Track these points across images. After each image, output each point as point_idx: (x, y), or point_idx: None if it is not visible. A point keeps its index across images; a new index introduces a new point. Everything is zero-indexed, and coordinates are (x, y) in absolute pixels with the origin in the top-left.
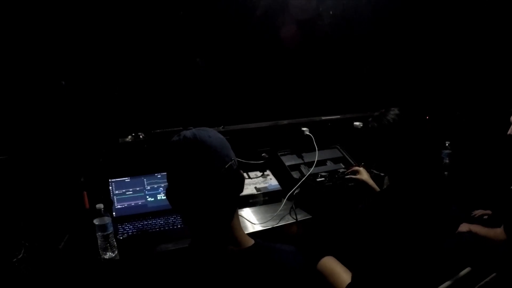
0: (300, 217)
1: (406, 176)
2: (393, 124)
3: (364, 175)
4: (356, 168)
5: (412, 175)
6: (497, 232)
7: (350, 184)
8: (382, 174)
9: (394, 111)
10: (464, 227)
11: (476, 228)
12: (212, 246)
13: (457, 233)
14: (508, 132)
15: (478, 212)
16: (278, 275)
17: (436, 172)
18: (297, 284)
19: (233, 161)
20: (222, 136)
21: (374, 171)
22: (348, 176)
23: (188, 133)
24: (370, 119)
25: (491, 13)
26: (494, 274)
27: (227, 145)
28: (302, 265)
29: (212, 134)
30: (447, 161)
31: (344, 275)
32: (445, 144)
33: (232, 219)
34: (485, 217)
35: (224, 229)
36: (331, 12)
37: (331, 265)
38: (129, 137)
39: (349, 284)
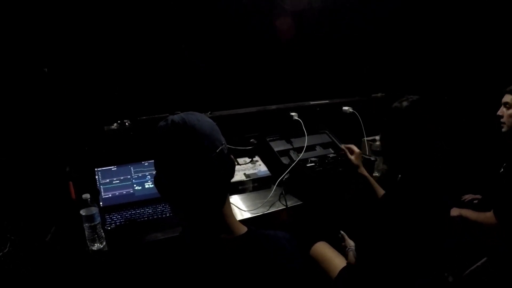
0: (291, 203)
1: (419, 170)
2: (412, 113)
3: (355, 157)
4: (353, 148)
5: (426, 168)
6: (488, 216)
7: (340, 169)
8: (372, 159)
9: (412, 98)
10: (454, 212)
11: (467, 213)
12: (204, 234)
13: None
14: (498, 112)
15: (468, 197)
16: (272, 262)
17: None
18: (292, 271)
19: (223, 145)
20: (211, 120)
21: (365, 155)
22: (342, 151)
23: (176, 117)
24: (392, 105)
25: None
26: (485, 259)
27: (217, 129)
28: (296, 251)
29: (201, 118)
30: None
31: (336, 259)
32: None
33: (223, 205)
34: (475, 201)
35: (215, 216)
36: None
37: (324, 250)
38: (115, 124)
39: (343, 268)
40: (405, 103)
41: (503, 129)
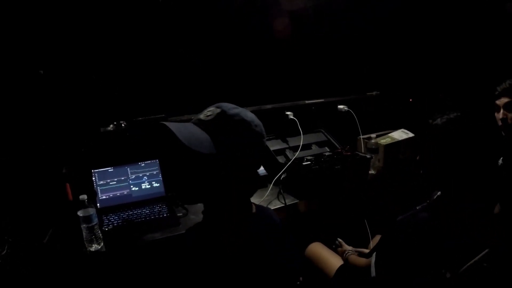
0: (287, 201)
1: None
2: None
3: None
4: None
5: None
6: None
7: (336, 167)
8: (368, 157)
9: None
10: None
11: None
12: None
13: None
14: (499, 117)
15: None
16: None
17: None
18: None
19: None
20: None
21: (360, 153)
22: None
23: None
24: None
25: None
26: (486, 250)
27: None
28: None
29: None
30: None
31: (331, 258)
32: None
33: None
34: None
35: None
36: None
37: (319, 250)
38: (111, 125)
39: (341, 267)
40: (443, 119)
41: (505, 133)
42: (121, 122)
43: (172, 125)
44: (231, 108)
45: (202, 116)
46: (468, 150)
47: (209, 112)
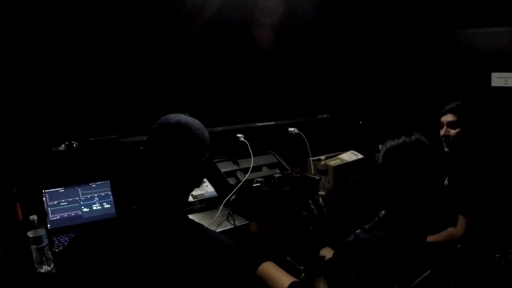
0: (238, 222)
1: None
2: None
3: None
4: None
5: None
6: (450, 232)
7: (286, 189)
8: (317, 178)
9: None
10: None
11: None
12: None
13: None
14: (442, 133)
15: None
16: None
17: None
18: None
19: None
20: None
21: (310, 175)
22: None
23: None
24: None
25: (420, 18)
26: (429, 271)
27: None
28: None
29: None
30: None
31: (282, 277)
32: (378, 147)
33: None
34: None
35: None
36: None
37: (270, 269)
38: (63, 145)
39: (292, 284)
40: (400, 141)
41: (448, 149)
42: (73, 142)
43: None
44: None
45: None
46: (419, 169)
47: None
